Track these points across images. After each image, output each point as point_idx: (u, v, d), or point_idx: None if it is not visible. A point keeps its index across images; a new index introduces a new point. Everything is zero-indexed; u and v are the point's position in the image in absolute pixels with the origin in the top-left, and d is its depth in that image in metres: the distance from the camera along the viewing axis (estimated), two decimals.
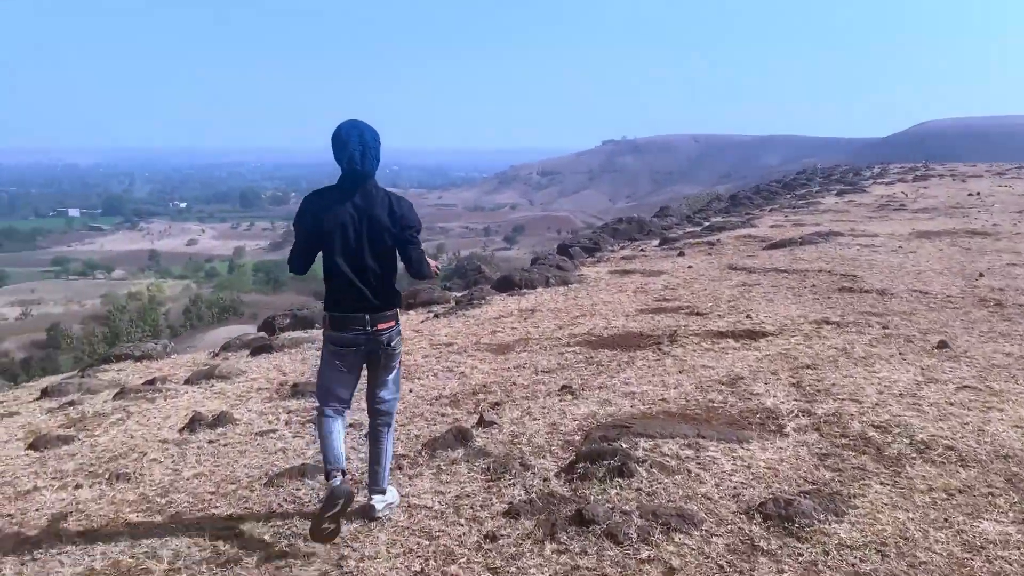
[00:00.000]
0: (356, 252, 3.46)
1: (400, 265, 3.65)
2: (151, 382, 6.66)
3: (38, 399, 6.75)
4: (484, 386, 5.87)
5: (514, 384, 5.88)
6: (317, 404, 3.65)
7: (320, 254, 3.54)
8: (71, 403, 6.27)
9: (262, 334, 8.89)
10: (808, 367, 5.81)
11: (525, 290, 10.36)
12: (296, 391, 5.93)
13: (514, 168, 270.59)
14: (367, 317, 3.49)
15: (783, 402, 4.98)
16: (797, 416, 4.70)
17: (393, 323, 3.59)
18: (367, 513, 3.61)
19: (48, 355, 72.68)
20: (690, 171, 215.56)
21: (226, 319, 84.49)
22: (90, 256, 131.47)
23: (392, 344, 3.61)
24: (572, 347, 7.04)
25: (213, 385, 6.46)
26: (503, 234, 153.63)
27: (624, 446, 4.06)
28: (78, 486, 4.33)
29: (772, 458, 4.05)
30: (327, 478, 3.43)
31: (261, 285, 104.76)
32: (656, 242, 15.71)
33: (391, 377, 3.70)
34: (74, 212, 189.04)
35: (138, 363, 8.15)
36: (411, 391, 5.81)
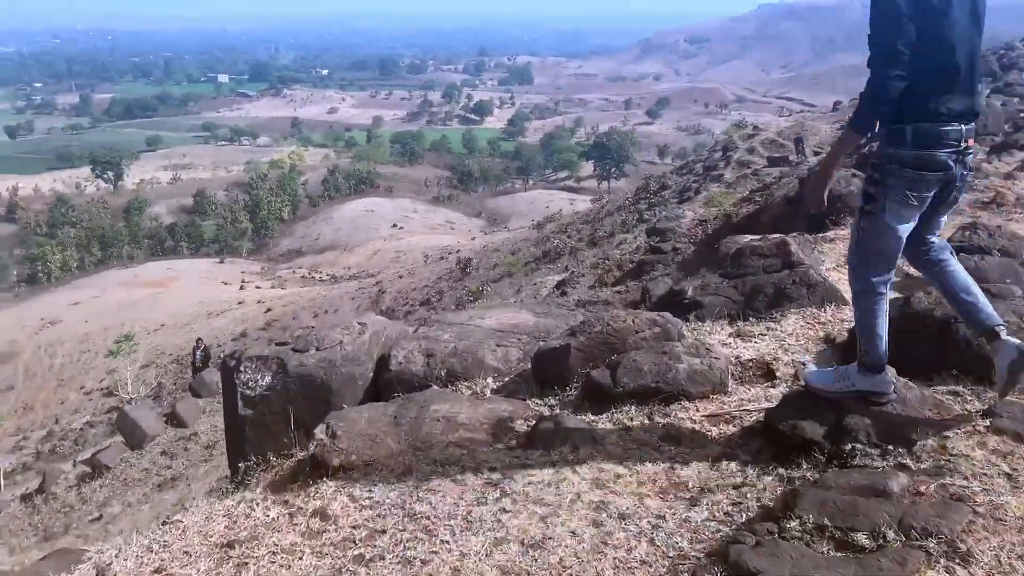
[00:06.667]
0: (967, 34, 2.49)
1: None
2: None
3: None
4: None
5: None
6: (865, 279, 2.66)
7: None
8: None
9: None
10: None
11: None
12: None
13: (659, 34, 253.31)
14: (963, 129, 2.49)
15: None
16: None
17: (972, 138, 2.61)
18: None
19: (193, 221, 75.32)
20: (857, 38, 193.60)
21: (363, 191, 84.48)
22: (237, 122, 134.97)
23: (972, 170, 2.69)
24: None
25: None
26: (645, 107, 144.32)
27: None
28: None
29: None
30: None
31: (397, 156, 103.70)
32: None
33: (941, 218, 2.72)
34: (223, 78, 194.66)
35: None
36: None
